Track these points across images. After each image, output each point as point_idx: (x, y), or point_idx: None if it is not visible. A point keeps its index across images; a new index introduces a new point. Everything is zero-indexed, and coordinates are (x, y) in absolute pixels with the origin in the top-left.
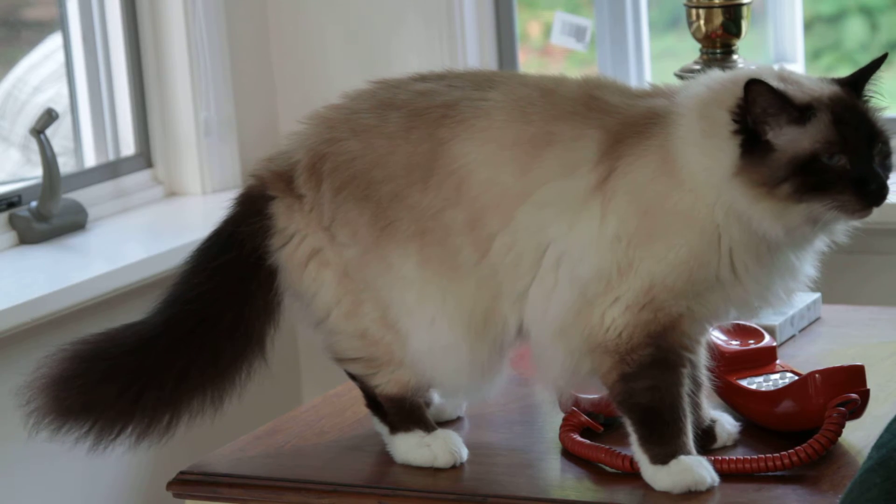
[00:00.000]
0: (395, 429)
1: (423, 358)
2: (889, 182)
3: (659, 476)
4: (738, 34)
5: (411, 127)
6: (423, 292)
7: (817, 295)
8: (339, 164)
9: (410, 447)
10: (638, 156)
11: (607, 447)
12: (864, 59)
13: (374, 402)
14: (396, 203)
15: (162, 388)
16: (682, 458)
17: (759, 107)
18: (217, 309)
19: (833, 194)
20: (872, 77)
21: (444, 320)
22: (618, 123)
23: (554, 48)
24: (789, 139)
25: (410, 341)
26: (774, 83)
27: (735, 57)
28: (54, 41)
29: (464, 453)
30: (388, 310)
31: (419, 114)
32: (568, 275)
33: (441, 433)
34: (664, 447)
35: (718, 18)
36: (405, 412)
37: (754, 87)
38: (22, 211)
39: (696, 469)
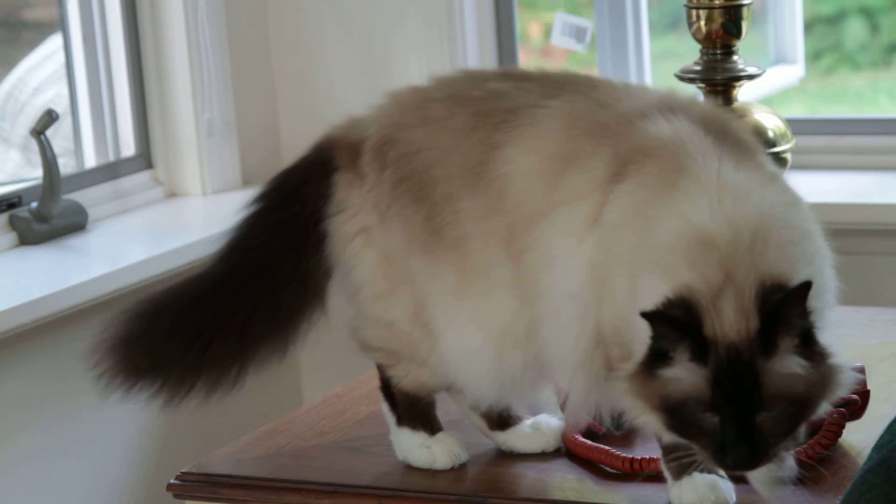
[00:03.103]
0: (401, 421)
1: (451, 360)
2: (773, 443)
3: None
4: (738, 35)
5: (474, 127)
6: (461, 295)
7: None
8: (403, 154)
9: (412, 446)
10: (621, 192)
11: (608, 448)
12: (864, 60)
13: (388, 388)
14: (448, 206)
15: (226, 340)
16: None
17: (662, 336)
18: (275, 260)
19: (696, 444)
20: (791, 316)
21: (475, 326)
22: (628, 147)
23: (554, 49)
24: (677, 373)
25: (441, 342)
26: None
27: (735, 58)
28: (54, 42)
29: (464, 457)
30: (423, 307)
31: (484, 115)
32: (567, 297)
33: (443, 436)
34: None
35: (719, 19)
36: (415, 410)
37: (654, 318)
38: (22, 212)
39: (718, 484)
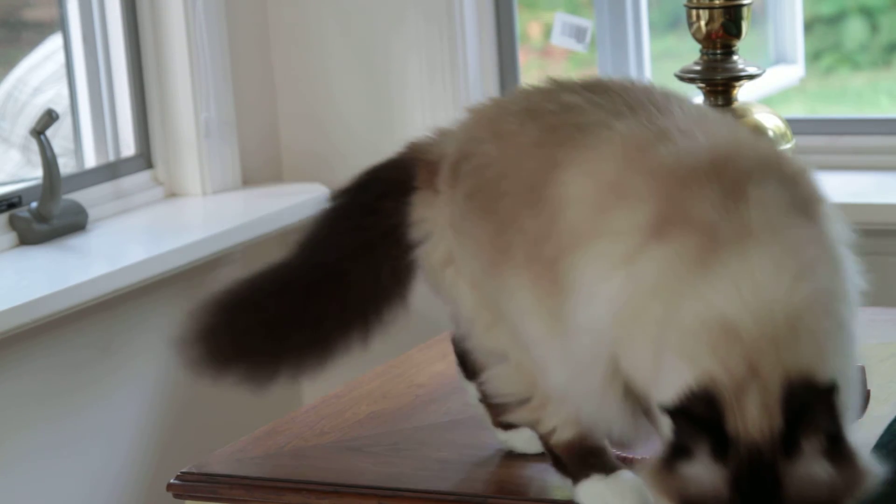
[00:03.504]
0: (577, 478)
1: (564, 393)
2: None
3: None
4: (738, 35)
5: (542, 143)
6: (549, 325)
7: None
8: (475, 167)
9: (594, 495)
10: (658, 255)
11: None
12: (864, 60)
13: (554, 452)
14: (513, 223)
15: (302, 332)
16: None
17: (683, 431)
18: (345, 265)
19: None
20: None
21: (556, 358)
22: (673, 204)
23: (554, 49)
24: (697, 471)
25: (549, 373)
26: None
27: (735, 58)
28: (54, 42)
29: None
30: (518, 336)
31: (553, 130)
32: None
33: (622, 478)
34: None
35: (719, 19)
36: (582, 456)
37: (676, 414)
38: (22, 212)
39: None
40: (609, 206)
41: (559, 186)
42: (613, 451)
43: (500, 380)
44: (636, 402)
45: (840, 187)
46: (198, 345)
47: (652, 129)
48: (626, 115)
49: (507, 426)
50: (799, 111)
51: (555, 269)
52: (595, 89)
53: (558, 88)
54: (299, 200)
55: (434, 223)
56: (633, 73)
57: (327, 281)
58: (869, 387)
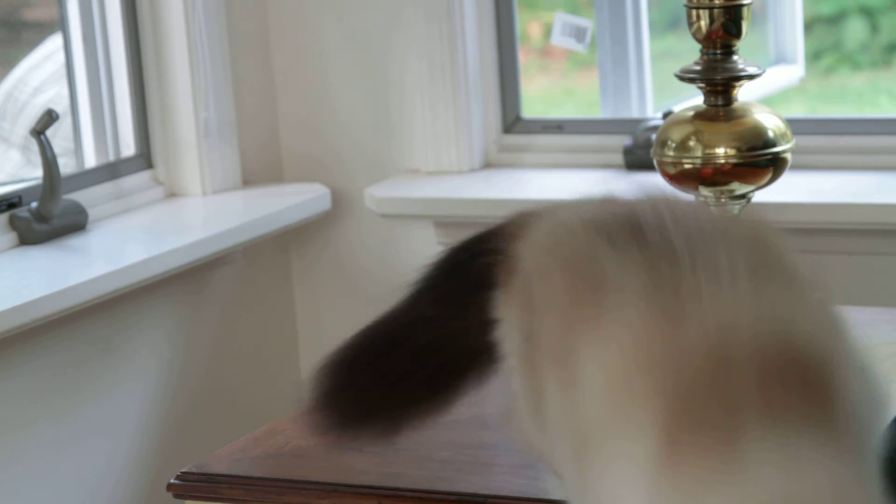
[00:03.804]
0: None
1: None
2: None
3: None
4: (738, 35)
5: (570, 309)
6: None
7: None
8: (530, 308)
9: None
10: (674, 485)
11: None
12: (864, 60)
13: None
14: (549, 399)
15: (419, 387)
16: None
17: None
18: (428, 338)
19: None
20: None
21: None
22: (680, 415)
23: (554, 49)
24: None
25: None
26: None
27: (735, 58)
28: (54, 42)
29: None
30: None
31: (578, 285)
32: None
33: None
34: None
35: (719, 19)
36: None
37: None
38: (22, 212)
39: None
40: (619, 407)
41: (577, 363)
42: None
43: (529, 446)
44: None
45: (840, 187)
46: (324, 410)
47: (659, 307)
48: (645, 279)
49: None
50: (799, 111)
51: (582, 466)
52: (631, 236)
53: (593, 230)
54: (299, 201)
55: (509, 320)
56: (632, 73)
57: (433, 343)
58: None
